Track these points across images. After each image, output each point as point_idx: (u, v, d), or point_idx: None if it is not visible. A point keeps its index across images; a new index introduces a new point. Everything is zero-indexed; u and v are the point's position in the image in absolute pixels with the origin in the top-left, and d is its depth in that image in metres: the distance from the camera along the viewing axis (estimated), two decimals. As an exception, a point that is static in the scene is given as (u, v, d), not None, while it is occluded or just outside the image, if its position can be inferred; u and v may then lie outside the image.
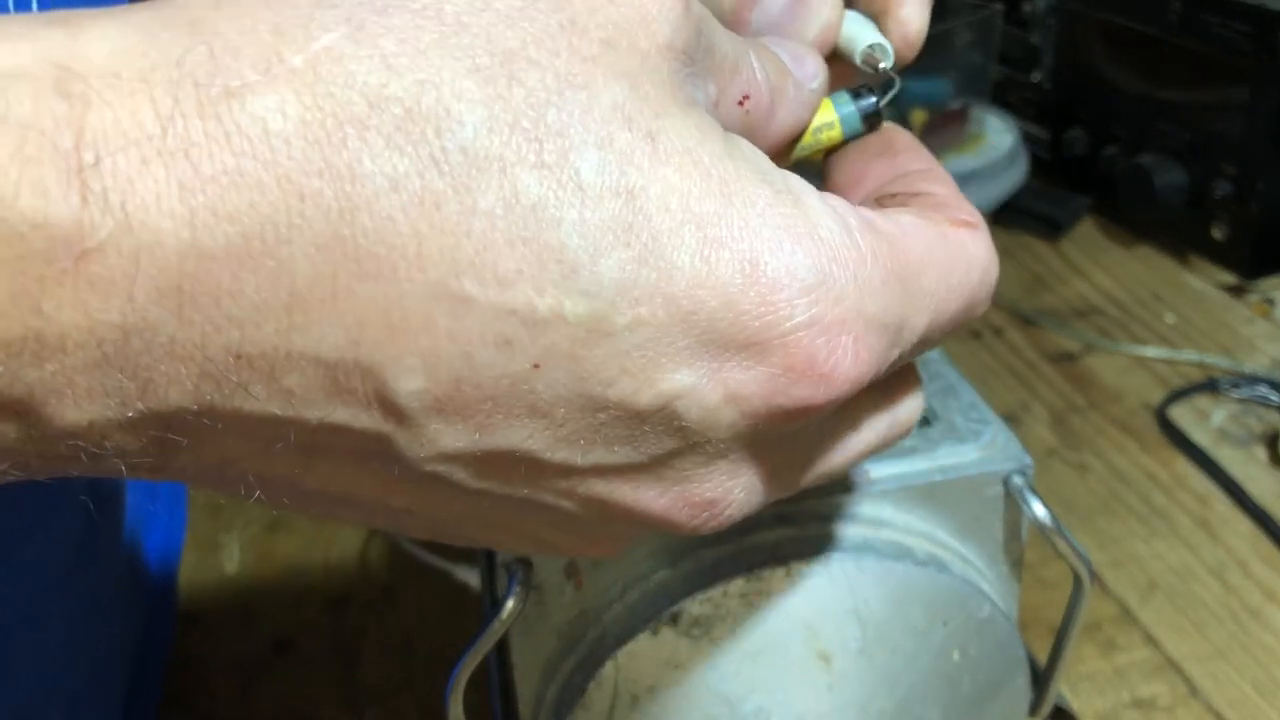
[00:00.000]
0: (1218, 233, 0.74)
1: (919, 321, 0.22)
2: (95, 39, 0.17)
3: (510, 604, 0.30)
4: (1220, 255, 0.75)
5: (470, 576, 0.52)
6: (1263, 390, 0.64)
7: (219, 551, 0.57)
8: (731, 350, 0.20)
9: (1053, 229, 0.82)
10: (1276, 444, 0.59)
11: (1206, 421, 0.63)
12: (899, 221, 0.23)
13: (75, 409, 0.17)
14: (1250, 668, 0.48)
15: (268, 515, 0.59)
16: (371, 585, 0.55)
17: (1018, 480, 0.33)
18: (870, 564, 0.31)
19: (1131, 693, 0.48)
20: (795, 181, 0.21)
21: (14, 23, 0.17)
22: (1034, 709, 0.36)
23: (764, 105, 0.24)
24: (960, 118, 0.82)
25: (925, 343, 0.23)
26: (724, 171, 0.20)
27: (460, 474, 0.20)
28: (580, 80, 0.19)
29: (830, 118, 0.27)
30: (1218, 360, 0.68)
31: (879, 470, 0.33)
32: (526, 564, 0.30)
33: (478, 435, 0.19)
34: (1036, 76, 0.87)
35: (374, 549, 0.57)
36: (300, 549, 0.57)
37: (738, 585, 0.30)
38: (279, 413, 0.18)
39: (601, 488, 0.21)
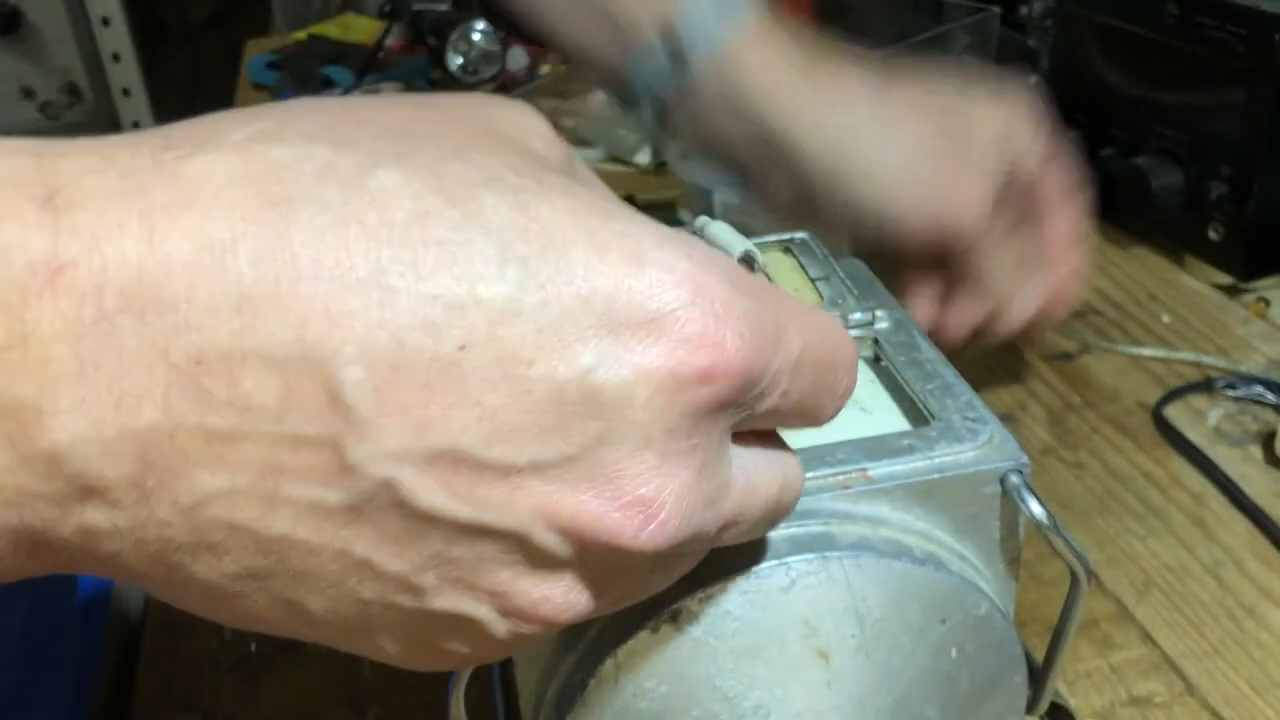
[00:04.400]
0: (1214, 234, 0.74)
1: (793, 338, 0.25)
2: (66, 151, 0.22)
3: (512, 602, 0.30)
4: (1216, 256, 0.75)
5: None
6: (1258, 390, 0.65)
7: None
8: (632, 328, 0.22)
9: (1050, 230, 0.82)
10: (1272, 443, 0.60)
11: (1202, 421, 0.64)
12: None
13: (59, 422, 0.20)
14: (1246, 665, 0.49)
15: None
16: (373, 585, 0.55)
17: (1015, 479, 0.33)
18: (868, 562, 0.31)
19: (1128, 690, 0.48)
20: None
21: None
22: (1031, 706, 0.36)
23: None
24: (958, 119, 0.82)
25: (799, 372, 0.25)
26: (603, 203, 0.24)
27: (409, 483, 0.22)
28: (478, 148, 0.24)
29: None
30: (1214, 360, 0.68)
31: (877, 469, 0.33)
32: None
33: (418, 431, 0.21)
34: (1033, 79, 0.87)
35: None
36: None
37: (737, 583, 0.31)
38: (240, 425, 0.21)
39: (542, 491, 0.22)
